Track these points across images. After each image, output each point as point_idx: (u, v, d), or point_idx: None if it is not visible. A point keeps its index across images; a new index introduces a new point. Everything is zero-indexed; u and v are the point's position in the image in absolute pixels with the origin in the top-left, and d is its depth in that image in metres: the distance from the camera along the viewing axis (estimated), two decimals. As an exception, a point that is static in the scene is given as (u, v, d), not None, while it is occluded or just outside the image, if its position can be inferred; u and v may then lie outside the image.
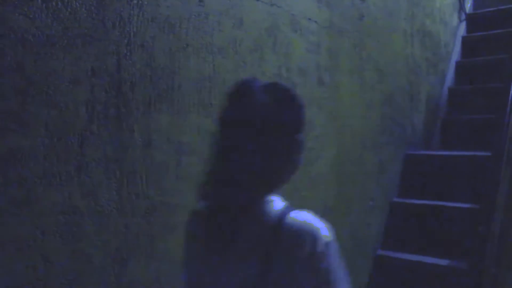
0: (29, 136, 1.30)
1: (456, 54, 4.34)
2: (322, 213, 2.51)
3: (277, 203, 1.08)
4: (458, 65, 4.30)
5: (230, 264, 1.03)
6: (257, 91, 1.02)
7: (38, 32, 1.32)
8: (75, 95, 1.41)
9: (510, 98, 2.92)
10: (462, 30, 4.60)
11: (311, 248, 0.96)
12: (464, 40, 4.51)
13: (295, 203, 2.36)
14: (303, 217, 1.03)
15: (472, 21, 4.66)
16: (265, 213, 1.04)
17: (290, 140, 1.07)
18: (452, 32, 4.43)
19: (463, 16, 4.64)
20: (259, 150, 1.00)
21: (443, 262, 2.85)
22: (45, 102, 1.34)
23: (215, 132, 1.08)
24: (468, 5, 4.80)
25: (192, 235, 1.18)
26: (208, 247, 1.07)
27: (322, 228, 1.01)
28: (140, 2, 1.59)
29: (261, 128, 1.00)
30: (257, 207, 1.04)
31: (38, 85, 1.32)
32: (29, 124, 1.30)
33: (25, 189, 1.30)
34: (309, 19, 2.39)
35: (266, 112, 1.00)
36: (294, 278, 0.95)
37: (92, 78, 1.46)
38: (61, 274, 1.38)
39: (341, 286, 0.98)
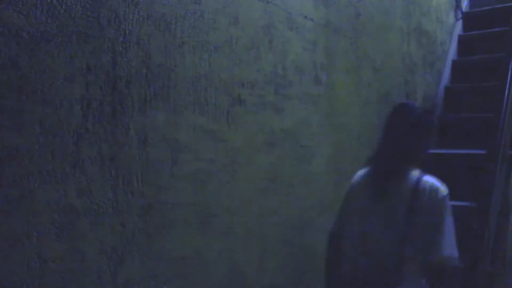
0: (24, 134, 1.30)
1: (452, 52, 4.34)
2: (318, 211, 2.51)
3: (416, 172, 1.70)
4: (455, 63, 4.30)
5: (385, 211, 1.68)
6: (412, 106, 1.88)
7: (32, 29, 1.31)
8: (70, 92, 1.41)
9: (505, 97, 2.93)
10: (458, 28, 4.60)
11: (437, 197, 1.64)
12: (461, 38, 4.51)
13: (291, 201, 2.37)
14: (432, 180, 1.67)
15: (469, 19, 4.66)
16: (408, 178, 1.68)
17: (428, 133, 1.89)
18: (449, 30, 4.44)
19: (460, 15, 4.64)
20: (411, 138, 1.72)
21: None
22: (40, 100, 1.33)
23: (384, 130, 1.78)
24: (465, 4, 4.80)
25: (355, 193, 1.84)
26: (371, 198, 1.73)
27: (443, 186, 1.67)
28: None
29: (413, 125, 1.73)
30: (404, 173, 1.69)
31: (33, 83, 1.32)
32: (23, 121, 1.30)
33: (20, 187, 1.29)
34: (306, 17, 2.39)
35: (417, 116, 1.76)
36: (426, 218, 1.63)
37: (87, 76, 1.45)
38: (56, 272, 1.38)
39: (450, 227, 1.65)
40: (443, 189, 1.66)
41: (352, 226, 1.77)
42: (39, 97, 1.33)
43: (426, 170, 1.73)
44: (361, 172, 1.84)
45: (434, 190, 1.65)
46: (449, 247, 1.63)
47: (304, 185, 2.42)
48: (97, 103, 1.48)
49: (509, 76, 3.03)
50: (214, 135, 1.88)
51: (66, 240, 1.40)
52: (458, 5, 4.60)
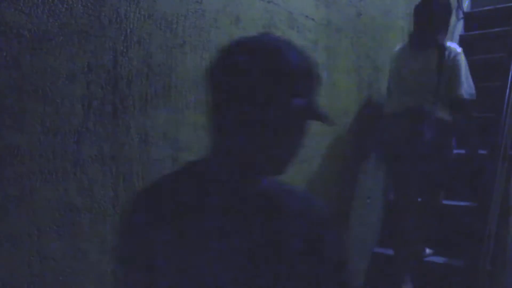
0: (25, 133, 1.30)
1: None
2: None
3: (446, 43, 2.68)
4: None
5: (423, 62, 2.68)
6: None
7: (34, 28, 1.31)
8: (71, 91, 1.41)
9: (506, 97, 2.93)
10: (459, 28, 4.60)
11: (455, 57, 2.60)
12: (462, 38, 4.50)
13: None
14: (453, 45, 2.58)
15: (470, 19, 4.66)
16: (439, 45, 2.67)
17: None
18: (450, 30, 4.43)
19: (461, 15, 4.64)
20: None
21: (439, 260, 2.85)
22: (41, 99, 1.33)
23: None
24: (466, 4, 4.80)
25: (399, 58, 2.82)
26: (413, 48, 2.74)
27: (458, 49, 2.60)
28: (136, -2, 1.59)
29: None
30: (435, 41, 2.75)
31: (34, 81, 1.32)
32: (24, 120, 1.30)
33: (21, 185, 1.29)
34: (307, 16, 2.39)
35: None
36: (449, 71, 2.61)
37: (89, 75, 1.45)
38: (57, 270, 1.38)
39: (466, 73, 2.61)
40: (458, 51, 2.65)
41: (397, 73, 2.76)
42: (40, 96, 1.33)
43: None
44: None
45: (453, 51, 2.63)
46: (468, 87, 2.61)
47: (304, 184, 2.41)
48: (98, 102, 1.48)
49: (510, 76, 3.02)
50: (215, 134, 1.88)
51: (67, 239, 1.40)
52: (459, 5, 4.60)
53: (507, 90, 2.93)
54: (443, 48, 2.65)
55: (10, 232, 1.28)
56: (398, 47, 2.91)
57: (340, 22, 2.68)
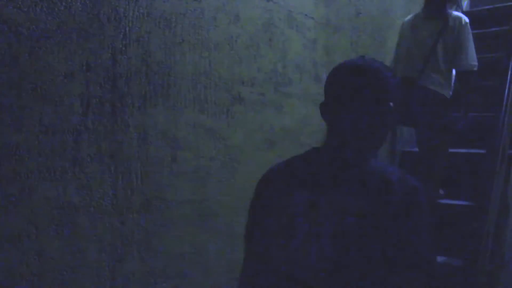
0: (23, 131, 1.30)
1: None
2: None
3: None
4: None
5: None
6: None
7: (32, 26, 1.31)
8: (70, 90, 1.41)
9: (505, 97, 2.93)
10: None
11: (463, 23, 2.73)
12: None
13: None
14: (460, 14, 2.72)
15: (469, 18, 4.65)
16: None
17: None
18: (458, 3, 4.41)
19: (460, 14, 4.63)
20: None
21: (438, 259, 2.85)
22: (40, 97, 1.33)
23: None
24: (465, 3, 4.80)
25: None
26: None
27: (467, 18, 2.70)
28: (135, -3, 1.59)
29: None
30: None
31: (33, 80, 1.31)
32: (23, 119, 1.30)
33: (19, 184, 1.29)
34: (306, 15, 2.39)
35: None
36: (454, 37, 2.78)
37: (87, 73, 1.45)
38: (56, 269, 1.38)
39: (471, 44, 2.70)
40: (466, 20, 2.73)
41: None
42: (39, 94, 1.33)
43: None
44: None
45: (458, 20, 2.72)
46: (471, 58, 2.69)
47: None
48: (96, 100, 1.48)
49: (509, 76, 3.02)
50: (214, 133, 1.88)
51: (65, 237, 1.40)
52: (458, 4, 4.60)
53: (506, 90, 2.94)
54: (446, 16, 2.72)
55: (9, 231, 1.27)
56: (409, 16, 2.94)
57: (339, 21, 2.67)
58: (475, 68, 2.73)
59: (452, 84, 2.84)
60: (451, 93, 2.83)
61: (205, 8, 1.84)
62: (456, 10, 4.49)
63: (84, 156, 1.45)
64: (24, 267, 1.31)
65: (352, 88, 1.08)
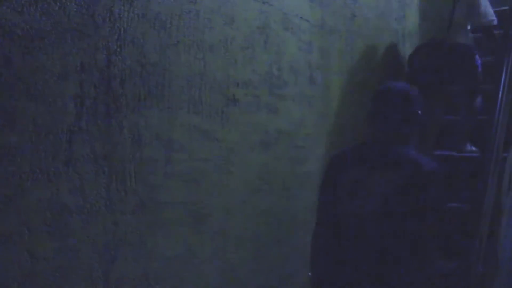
0: (16, 132, 1.29)
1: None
2: (312, 212, 2.50)
3: None
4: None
5: None
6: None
7: (27, 26, 1.31)
8: (64, 90, 1.40)
9: (499, 100, 2.95)
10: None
11: None
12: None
13: (285, 201, 2.37)
14: None
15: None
16: None
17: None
18: (444, 33, 4.44)
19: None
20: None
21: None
22: (33, 97, 1.33)
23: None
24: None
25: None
26: None
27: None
28: (130, -2, 1.59)
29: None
30: None
31: (26, 80, 1.31)
32: (17, 119, 1.29)
33: (12, 185, 1.29)
34: (301, 17, 2.39)
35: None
36: None
37: (82, 74, 1.45)
38: (48, 270, 1.37)
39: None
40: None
41: None
42: (32, 94, 1.32)
43: None
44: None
45: None
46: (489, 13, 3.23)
47: (298, 185, 2.42)
48: (91, 101, 1.47)
49: (503, 79, 3.04)
50: (208, 134, 1.88)
51: (58, 239, 1.39)
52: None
53: (500, 93, 2.95)
54: None
55: (1, 232, 1.27)
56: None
57: (334, 23, 2.68)
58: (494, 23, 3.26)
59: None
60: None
61: (200, 10, 1.84)
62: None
63: (78, 157, 1.44)
64: (16, 268, 1.30)
65: (383, 103, 1.69)
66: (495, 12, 4.49)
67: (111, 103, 1.53)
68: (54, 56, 1.37)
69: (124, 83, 1.57)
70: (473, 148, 3.32)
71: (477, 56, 3.22)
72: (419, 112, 1.67)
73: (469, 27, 3.31)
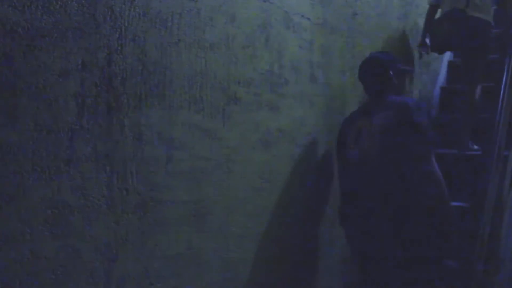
0: (17, 130, 1.29)
1: (448, 53, 4.34)
2: (313, 211, 2.49)
3: None
4: (451, 64, 4.31)
5: None
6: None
7: (28, 24, 1.30)
8: (65, 88, 1.40)
9: (501, 98, 2.94)
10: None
11: None
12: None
13: (286, 200, 2.36)
14: None
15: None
16: None
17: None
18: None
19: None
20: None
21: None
22: (34, 96, 1.33)
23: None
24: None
25: None
26: None
27: None
28: (131, -4, 1.58)
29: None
30: None
31: (28, 78, 1.31)
32: (18, 117, 1.29)
33: (13, 183, 1.28)
34: (302, 15, 2.39)
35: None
36: None
37: (83, 72, 1.44)
38: (50, 269, 1.37)
39: None
40: None
41: None
42: (33, 93, 1.32)
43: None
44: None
45: None
46: None
47: (299, 184, 2.42)
48: (92, 100, 1.47)
49: (504, 77, 3.03)
50: (209, 133, 1.88)
51: (59, 237, 1.39)
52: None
53: (502, 91, 2.95)
54: None
55: (2, 231, 1.27)
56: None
57: (335, 21, 2.68)
58: None
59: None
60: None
61: (201, 8, 1.83)
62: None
63: (79, 155, 1.44)
64: (18, 267, 1.30)
65: (364, 70, 2.41)
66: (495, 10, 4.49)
67: (112, 101, 1.53)
68: (55, 55, 1.37)
69: (125, 81, 1.57)
70: (475, 147, 3.31)
71: (493, 31, 3.36)
72: (391, 72, 2.33)
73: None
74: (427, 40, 3.57)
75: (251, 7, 2.07)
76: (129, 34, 1.57)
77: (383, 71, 2.31)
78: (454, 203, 3.00)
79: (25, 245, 1.31)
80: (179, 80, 1.75)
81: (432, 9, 3.60)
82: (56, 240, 1.38)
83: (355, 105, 2.91)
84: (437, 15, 3.59)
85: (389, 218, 2.09)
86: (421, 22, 3.83)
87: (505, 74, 3.05)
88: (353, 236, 2.32)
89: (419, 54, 3.68)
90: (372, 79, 2.35)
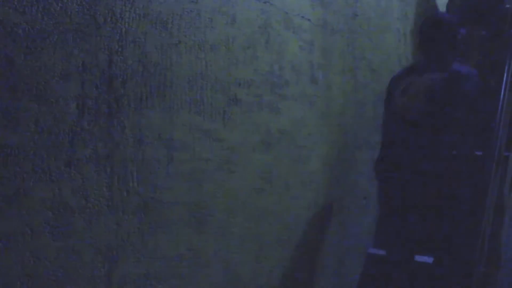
0: (18, 132, 1.29)
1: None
2: (314, 211, 2.50)
3: None
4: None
5: None
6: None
7: (28, 26, 1.31)
8: (66, 90, 1.40)
9: (502, 97, 2.94)
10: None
11: None
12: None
13: (287, 201, 2.36)
14: None
15: (465, 21, 4.66)
16: None
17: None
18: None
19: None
20: None
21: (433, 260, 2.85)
22: (35, 97, 1.33)
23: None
24: (461, 6, 4.80)
25: None
26: None
27: None
28: (132, -3, 1.58)
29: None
30: None
31: (28, 80, 1.31)
32: (18, 119, 1.29)
33: (14, 184, 1.29)
34: (303, 17, 2.39)
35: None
36: None
37: (83, 74, 1.45)
38: (50, 270, 1.37)
39: None
40: None
41: None
42: (34, 94, 1.32)
43: None
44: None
45: None
46: None
47: (300, 185, 2.42)
48: (92, 101, 1.47)
49: (504, 77, 3.03)
50: (210, 134, 1.88)
51: (60, 239, 1.39)
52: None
53: (502, 91, 2.94)
54: None
55: (3, 232, 1.27)
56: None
57: (336, 23, 2.68)
58: None
59: None
60: None
61: (201, 10, 1.84)
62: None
63: (80, 157, 1.44)
64: (19, 268, 1.30)
65: (428, 32, 2.51)
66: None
67: (112, 103, 1.53)
68: (55, 56, 1.37)
69: (125, 83, 1.57)
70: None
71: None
72: (458, 36, 2.39)
73: None
74: None
75: (251, 9, 2.08)
76: (129, 35, 1.58)
77: (450, 35, 2.38)
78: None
79: (25, 246, 1.31)
80: (179, 81, 1.75)
81: None
82: (57, 241, 1.39)
83: (356, 105, 2.91)
84: None
85: (424, 176, 2.29)
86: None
87: (505, 74, 3.05)
88: (386, 189, 2.51)
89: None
90: (436, 44, 2.41)
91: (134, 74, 1.60)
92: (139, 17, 1.61)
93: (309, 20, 2.44)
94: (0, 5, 1.25)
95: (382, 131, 2.62)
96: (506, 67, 3.03)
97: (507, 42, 3.29)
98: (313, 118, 2.51)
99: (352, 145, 2.91)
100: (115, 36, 1.54)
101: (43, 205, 1.35)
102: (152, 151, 1.65)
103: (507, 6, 3.42)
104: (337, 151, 2.73)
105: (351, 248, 2.93)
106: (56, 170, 1.38)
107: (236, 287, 2.04)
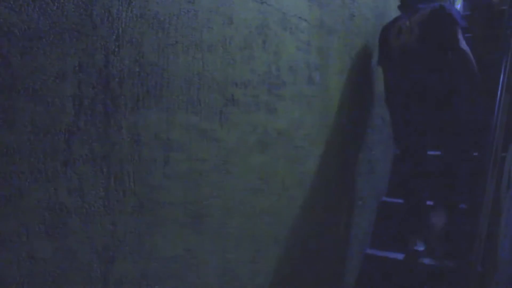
0: (14, 132, 1.29)
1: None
2: (311, 212, 2.50)
3: None
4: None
5: None
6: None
7: (24, 26, 1.30)
8: (62, 90, 1.40)
9: (498, 98, 2.94)
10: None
11: None
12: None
13: (284, 201, 2.36)
14: None
15: (464, 22, 4.66)
16: None
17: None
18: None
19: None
20: None
21: (431, 261, 2.86)
22: (31, 98, 1.32)
23: None
24: (458, 6, 4.82)
25: None
26: None
27: None
28: (129, -3, 1.58)
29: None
30: None
31: (24, 80, 1.31)
32: (14, 119, 1.29)
33: (9, 185, 1.28)
34: (300, 17, 2.39)
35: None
36: None
37: (80, 74, 1.44)
38: (46, 271, 1.37)
39: None
40: None
41: None
42: (30, 94, 1.32)
43: None
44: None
45: None
46: None
47: (297, 185, 2.42)
48: (89, 101, 1.47)
49: (501, 77, 3.04)
50: (207, 134, 1.88)
51: (56, 239, 1.39)
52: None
53: (499, 92, 2.95)
54: None
55: (-1, 232, 1.27)
56: None
57: (333, 23, 2.68)
58: None
59: None
60: None
61: (198, 10, 1.83)
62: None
63: (76, 157, 1.44)
64: (15, 269, 1.30)
65: None
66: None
67: (109, 103, 1.53)
68: (52, 56, 1.37)
69: (122, 83, 1.57)
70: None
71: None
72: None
73: None
74: None
75: (248, 9, 2.08)
76: (126, 35, 1.57)
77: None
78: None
79: (21, 247, 1.31)
80: (176, 81, 1.75)
81: None
82: (53, 241, 1.38)
83: (354, 105, 2.92)
84: None
85: (429, 101, 2.68)
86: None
87: (502, 75, 3.05)
88: (396, 118, 2.91)
89: None
90: None
91: (131, 74, 1.59)
92: (136, 17, 1.60)
93: (306, 20, 2.44)
94: (-4, 5, 1.25)
95: (384, 74, 2.98)
96: (502, 69, 3.04)
97: (504, 42, 3.29)
98: (310, 118, 2.51)
99: (349, 145, 2.91)
100: (112, 36, 1.53)
101: (39, 205, 1.35)
102: (148, 151, 1.65)
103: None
104: (334, 151, 2.73)
105: (348, 248, 2.93)
106: (52, 170, 1.38)
107: (233, 287, 2.04)
